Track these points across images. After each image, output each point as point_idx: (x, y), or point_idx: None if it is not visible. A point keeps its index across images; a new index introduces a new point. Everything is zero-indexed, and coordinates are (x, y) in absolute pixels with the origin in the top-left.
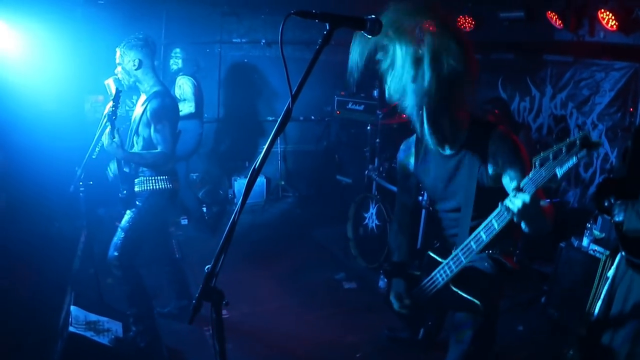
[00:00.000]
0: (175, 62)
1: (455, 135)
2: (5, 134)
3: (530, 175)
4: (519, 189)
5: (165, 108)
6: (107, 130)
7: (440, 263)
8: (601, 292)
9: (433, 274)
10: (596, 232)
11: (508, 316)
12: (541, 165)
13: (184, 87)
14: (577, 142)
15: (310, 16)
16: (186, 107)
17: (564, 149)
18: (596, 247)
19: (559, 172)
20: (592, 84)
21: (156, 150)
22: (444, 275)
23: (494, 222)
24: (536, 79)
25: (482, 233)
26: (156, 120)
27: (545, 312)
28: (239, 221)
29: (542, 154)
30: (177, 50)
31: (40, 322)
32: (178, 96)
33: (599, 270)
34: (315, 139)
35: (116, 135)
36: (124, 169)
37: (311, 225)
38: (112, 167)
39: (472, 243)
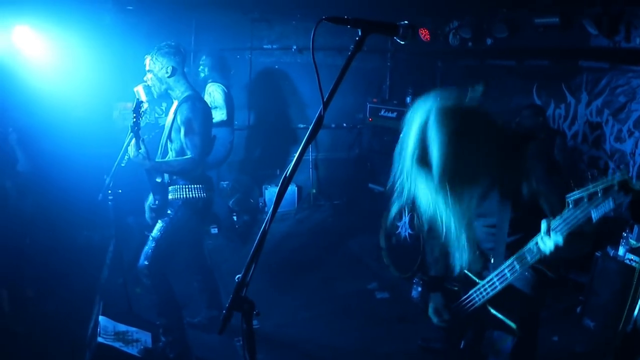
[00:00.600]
0: (202, 70)
1: (489, 157)
2: (33, 141)
3: (563, 215)
4: (551, 229)
5: (195, 112)
6: (133, 142)
7: (476, 282)
8: (637, 302)
9: (470, 292)
10: (632, 241)
11: (543, 327)
12: (575, 205)
13: (214, 94)
14: (615, 186)
15: (342, 22)
16: (218, 115)
17: (600, 192)
18: (632, 257)
19: (595, 215)
20: (628, 90)
21: (184, 157)
22: (480, 297)
23: (526, 255)
24: (571, 85)
25: (515, 263)
26: (186, 125)
27: (580, 322)
28: (269, 230)
29: (576, 193)
30: (203, 57)
31: (68, 333)
32: (209, 103)
33: (635, 279)
34: (347, 146)
35: (142, 146)
36: (157, 179)
37: (343, 235)
38: (150, 199)
39: (506, 271)
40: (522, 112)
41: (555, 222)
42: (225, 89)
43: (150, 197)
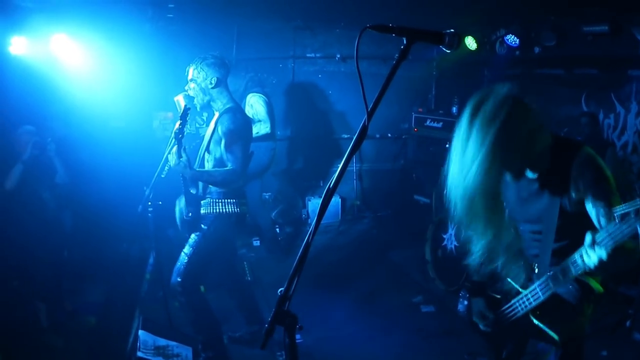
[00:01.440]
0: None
1: (537, 162)
2: (71, 151)
3: (609, 228)
4: (594, 243)
5: (236, 124)
6: (174, 149)
7: (519, 291)
8: None
9: (513, 302)
10: None
11: (592, 341)
12: (622, 219)
13: (256, 106)
14: None
15: (387, 30)
16: (262, 128)
17: None
18: None
19: None
20: None
21: (226, 168)
22: (522, 306)
23: (570, 267)
24: (621, 95)
25: (559, 274)
26: (227, 137)
27: (630, 336)
28: (313, 242)
29: (624, 206)
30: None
31: (107, 347)
32: (251, 116)
33: None
34: (391, 157)
35: (183, 154)
36: (191, 191)
37: (388, 247)
38: (180, 205)
39: (550, 282)
40: (580, 120)
41: (600, 236)
42: (266, 99)
43: (183, 201)
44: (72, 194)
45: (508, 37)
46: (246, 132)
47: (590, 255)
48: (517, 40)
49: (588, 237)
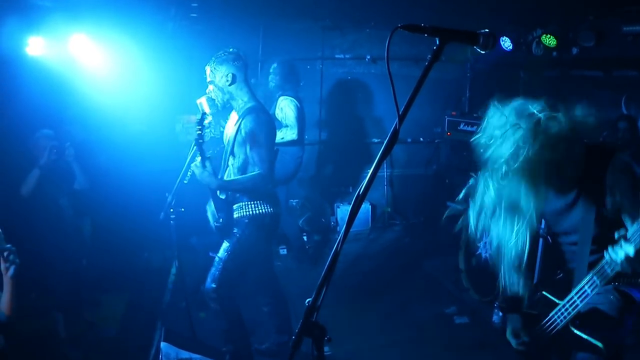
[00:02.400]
0: (273, 79)
1: (571, 173)
2: (90, 156)
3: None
4: (625, 239)
5: (260, 125)
6: (198, 158)
7: (556, 304)
8: None
9: (551, 315)
10: None
11: (631, 353)
12: None
13: (285, 110)
14: None
15: (419, 30)
16: (288, 134)
17: None
18: None
19: None
20: None
21: (253, 173)
22: (561, 317)
23: (605, 267)
24: None
25: (595, 277)
26: (251, 139)
27: None
28: (342, 251)
29: None
30: (274, 65)
31: None
32: (280, 120)
33: None
34: (424, 162)
35: (207, 164)
36: (220, 196)
37: (420, 255)
38: (211, 209)
39: (586, 287)
40: (617, 124)
41: (632, 230)
42: (298, 104)
43: (212, 205)
44: (91, 200)
45: (503, 39)
46: (270, 133)
47: (617, 251)
48: (511, 44)
49: (617, 233)
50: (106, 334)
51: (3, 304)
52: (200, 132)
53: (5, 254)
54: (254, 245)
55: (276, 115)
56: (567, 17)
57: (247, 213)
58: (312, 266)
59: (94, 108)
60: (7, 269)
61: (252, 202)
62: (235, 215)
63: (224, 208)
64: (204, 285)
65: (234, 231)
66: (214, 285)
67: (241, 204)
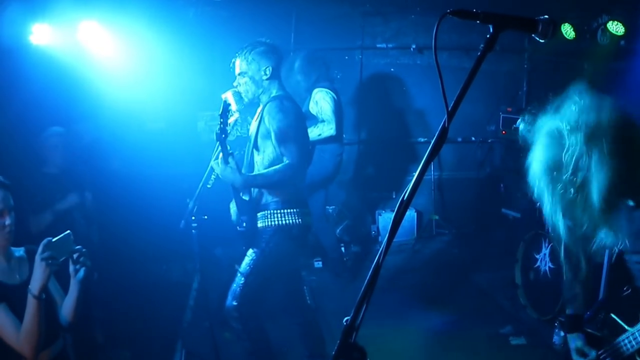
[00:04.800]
0: (300, 78)
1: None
2: (102, 158)
3: None
4: None
5: (285, 111)
6: (221, 156)
7: (625, 329)
8: None
9: (618, 340)
10: None
11: None
12: None
13: (321, 103)
14: None
15: (471, 16)
16: (326, 130)
17: None
18: None
19: None
20: None
21: (279, 165)
22: (629, 345)
23: None
24: None
25: None
26: (277, 129)
27: None
28: (384, 264)
29: None
30: (297, 63)
31: None
32: (315, 114)
33: None
34: (476, 164)
35: (230, 160)
36: (243, 197)
37: (471, 269)
38: (234, 208)
39: None
40: None
41: None
42: (334, 96)
43: (234, 210)
44: (101, 206)
45: (565, 27)
46: (297, 120)
47: None
48: (574, 32)
49: None
50: (120, 357)
51: (67, 309)
52: (222, 125)
53: (75, 255)
54: (280, 259)
55: (311, 110)
56: (637, 1)
57: (272, 223)
58: (350, 280)
59: (106, 104)
60: (77, 271)
61: (278, 211)
62: (259, 224)
63: (248, 211)
64: (225, 303)
65: (257, 242)
66: (235, 303)
67: (266, 212)
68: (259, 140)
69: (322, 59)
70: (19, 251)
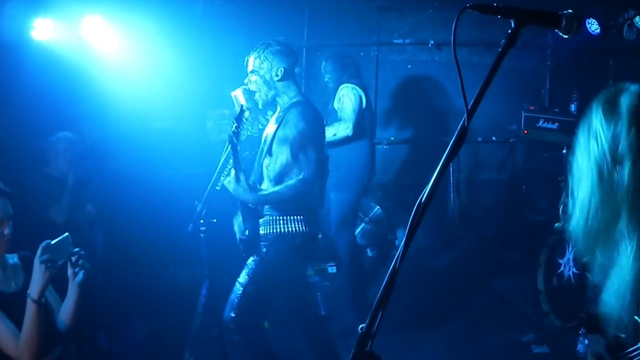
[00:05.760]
0: (329, 77)
1: None
2: (106, 159)
3: None
4: None
5: (307, 119)
6: (232, 173)
7: None
8: None
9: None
10: None
11: None
12: None
13: (344, 100)
14: None
15: (491, 11)
16: (341, 129)
17: None
18: None
19: None
20: None
21: (292, 181)
22: None
23: None
24: None
25: None
26: (296, 138)
27: None
28: (401, 269)
29: None
30: (323, 63)
31: None
32: (337, 111)
33: None
34: (496, 165)
35: (242, 177)
36: (248, 205)
37: (491, 274)
38: (238, 220)
39: None
40: None
41: None
42: (360, 94)
43: (239, 217)
44: (106, 208)
45: (590, 22)
46: (319, 131)
47: None
48: (599, 27)
49: None
50: None
51: (65, 314)
52: (236, 129)
53: (74, 258)
54: (280, 268)
55: (335, 107)
56: None
57: (274, 231)
58: (366, 286)
59: (111, 102)
60: (76, 274)
61: (281, 217)
62: (261, 231)
63: (253, 219)
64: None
65: (257, 250)
66: (232, 315)
67: (268, 218)
68: (275, 145)
69: (351, 57)
70: (13, 258)
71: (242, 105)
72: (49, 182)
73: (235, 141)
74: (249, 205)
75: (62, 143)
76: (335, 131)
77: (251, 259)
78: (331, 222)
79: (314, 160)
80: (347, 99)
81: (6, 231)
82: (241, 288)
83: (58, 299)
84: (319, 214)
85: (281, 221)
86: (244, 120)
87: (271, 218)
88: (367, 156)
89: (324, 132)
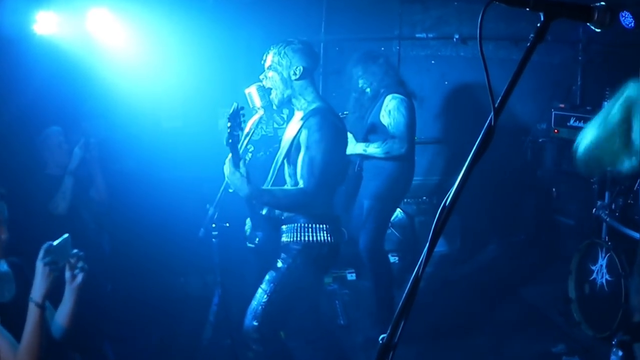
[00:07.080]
0: (365, 84)
1: None
2: (113, 159)
3: None
4: None
5: (325, 130)
6: (230, 156)
7: None
8: None
9: None
10: None
11: None
12: None
13: (394, 114)
14: None
15: (519, 3)
16: (395, 148)
17: None
18: None
19: None
20: None
21: (292, 189)
22: None
23: None
24: None
25: None
26: (309, 146)
27: None
28: (424, 276)
29: None
30: (352, 68)
31: None
32: (386, 125)
33: None
34: (525, 166)
35: (242, 165)
36: (261, 212)
37: (519, 281)
38: (250, 224)
39: None
40: None
41: None
42: (410, 105)
43: (249, 224)
44: (112, 211)
45: (624, 14)
46: (335, 143)
47: None
48: (633, 20)
49: None
50: None
51: (62, 316)
52: (230, 129)
53: (73, 260)
54: (305, 278)
55: (381, 120)
56: None
57: (301, 239)
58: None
59: (118, 100)
60: (74, 277)
61: (309, 225)
62: (285, 238)
63: (263, 226)
64: (244, 323)
65: (281, 257)
66: (255, 323)
67: (294, 225)
68: (293, 151)
69: (383, 56)
70: (1, 266)
71: (237, 107)
72: (50, 182)
73: (230, 140)
74: (261, 212)
75: (53, 138)
76: (389, 150)
77: (279, 263)
78: (360, 231)
79: (316, 174)
80: (397, 113)
81: (2, 237)
82: (266, 296)
83: (51, 308)
84: (342, 224)
85: (309, 229)
86: (241, 120)
87: (298, 225)
88: (409, 170)
89: (342, 144)
